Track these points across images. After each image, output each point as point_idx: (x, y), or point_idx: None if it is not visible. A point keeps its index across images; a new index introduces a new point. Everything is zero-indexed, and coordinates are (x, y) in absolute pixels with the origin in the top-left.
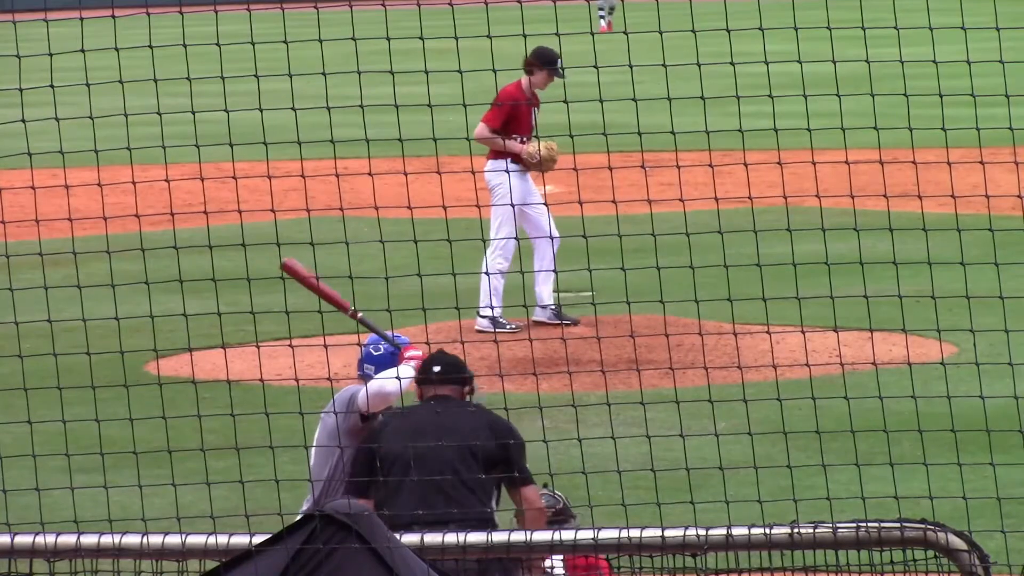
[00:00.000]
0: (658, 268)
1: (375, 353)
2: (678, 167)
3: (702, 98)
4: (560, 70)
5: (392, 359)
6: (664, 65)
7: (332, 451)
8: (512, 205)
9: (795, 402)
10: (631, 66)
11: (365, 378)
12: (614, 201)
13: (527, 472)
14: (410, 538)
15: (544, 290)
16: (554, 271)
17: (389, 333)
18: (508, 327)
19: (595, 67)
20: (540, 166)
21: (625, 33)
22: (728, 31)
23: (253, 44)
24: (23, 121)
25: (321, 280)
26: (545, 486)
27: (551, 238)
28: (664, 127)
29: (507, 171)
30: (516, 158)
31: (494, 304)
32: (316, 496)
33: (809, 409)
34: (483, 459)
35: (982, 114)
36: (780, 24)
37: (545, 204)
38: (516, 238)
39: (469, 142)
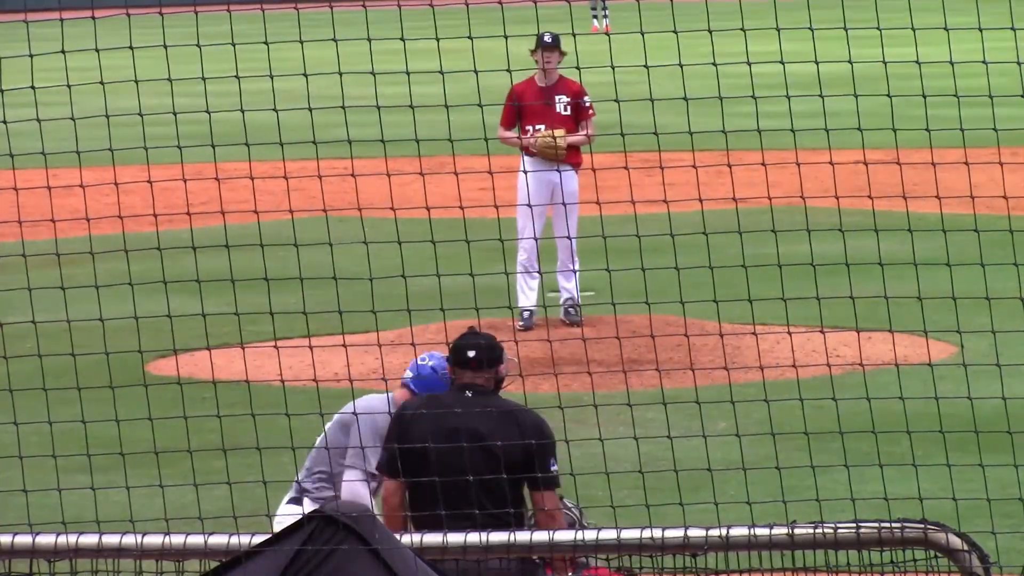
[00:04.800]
0: (644, 269)
1: (424, 370)
2: (662, 168)
3: (685, 99)
4: (545, 42)
5: (433, 375)
6: (646, 66)
7: (343, 442)
8: (529, 204)
9: (797, 402)
10: (613, 67)
11: (405, 386)
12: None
13: (550, 474)
14: (409, 538)
15: (567, 286)
16: (573, 271)
17: (437, 355)
18: (518, 325)
19: (577, 68)
20: (542, 154)
21: (607, 34)
22: (710, 32)
23: (234, 44)
24: (5, 122)
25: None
26: (562, 498)
27: (567, 237)
28: (648, 127)
29: (519, 169)
30: (527, 152)
31: (520, 299)
32: (313, 480)
33: (815, 409)
34: (507, 464)
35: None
36: (762, 25)
37: (557, 204)
38: (530, 238)
39: (452, 144)
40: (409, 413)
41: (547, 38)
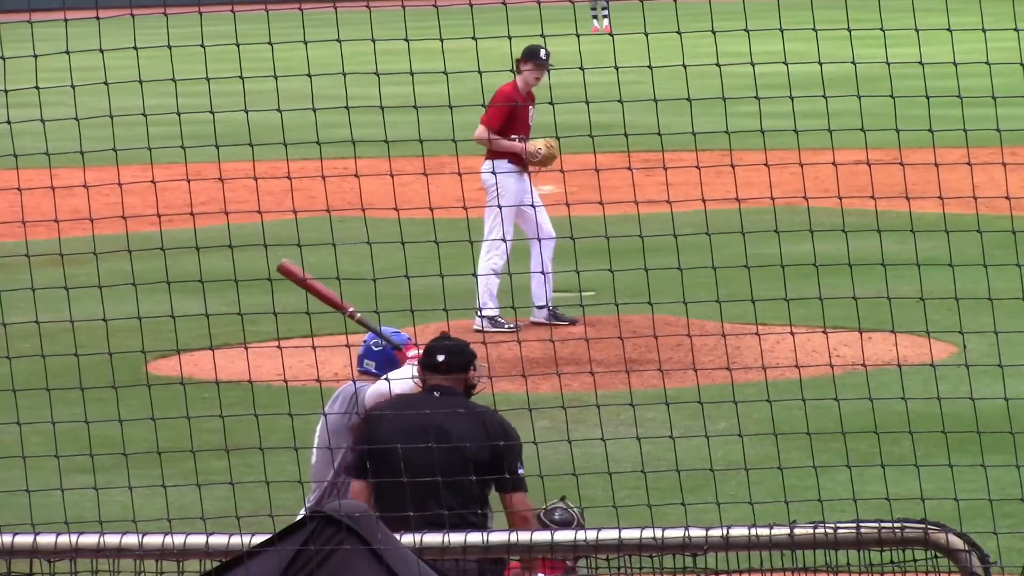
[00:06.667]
0: (646, 269)
1: (376, 348)
2: (664, 168)
3: (688, 99)
4: (543, 59)
5: (393, 354)
6: (649, 66)
7: (337, 450)
8: (500, 207)
9: (799, 402)
10: (616, 67)
11: (365, 374)
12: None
13: (518, 476)
14: (409, 538)
15: (539, 291)
16: (548, 272)
17: (388, 330)
18: (507, 326)
19: (580, 68)
20: (541, 163)
21: (611, 35)
22: (713, 32)
23: (238, 44)
24: (9, 122)
25: (317, 280)
26: (563, 499)
27: (539, 239)
28: (650, 127)
29: (499, 171)
30: (514, 157)
31: (490, 304)
32: (320, 496)
33: (816, 409)
34: (474, 464)
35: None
36: (765, 25)
37: (540, 205)
38: (506, 239)
39: (455, 144)
40: (377, 413)
41: (544, 55)
